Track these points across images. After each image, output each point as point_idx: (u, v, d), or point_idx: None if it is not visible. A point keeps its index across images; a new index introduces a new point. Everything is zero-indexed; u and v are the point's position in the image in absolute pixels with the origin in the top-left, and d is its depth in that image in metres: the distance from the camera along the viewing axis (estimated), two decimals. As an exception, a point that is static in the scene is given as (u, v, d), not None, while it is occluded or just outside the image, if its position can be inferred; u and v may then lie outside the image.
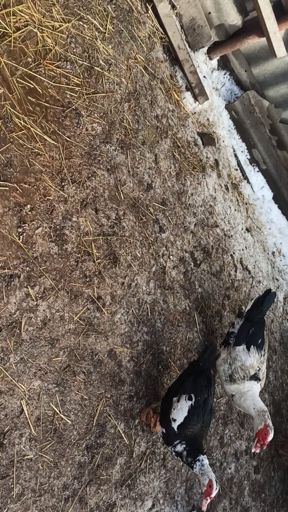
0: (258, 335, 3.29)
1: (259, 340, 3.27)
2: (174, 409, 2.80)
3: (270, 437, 2.86)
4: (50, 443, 2.55)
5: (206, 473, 2.65)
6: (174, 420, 2.76)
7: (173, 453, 2.83)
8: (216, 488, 2.61)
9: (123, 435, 2.97)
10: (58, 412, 2.61)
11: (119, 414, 2.97)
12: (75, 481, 2.66)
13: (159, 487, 3.20)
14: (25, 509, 2.40)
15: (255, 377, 3.17)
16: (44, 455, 2.52)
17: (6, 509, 2.32)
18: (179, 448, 2.76)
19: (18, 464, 2.40)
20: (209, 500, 2.62)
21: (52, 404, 2.59)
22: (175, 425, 2.75)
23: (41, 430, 2.52)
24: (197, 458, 2.69)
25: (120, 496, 2.91)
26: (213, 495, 2.62)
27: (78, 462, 2.69)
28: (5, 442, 2.35)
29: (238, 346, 3.26)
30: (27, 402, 2.47)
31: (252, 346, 3.22)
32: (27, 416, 2.46)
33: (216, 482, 2.63)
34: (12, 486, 2.36)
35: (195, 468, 2.69)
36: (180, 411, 2.77)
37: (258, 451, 2.88)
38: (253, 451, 2.87)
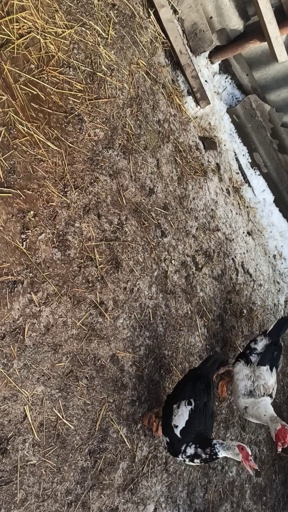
0: (278, 358, 3.54)
1: (278, 363, 3.52)
2: (175, 415, 2.80)
3: None
4: (53, 448, 2.57)
5: (230, 446, 2.59)
6: (176, 427, 2.75)
7: (186, 460, 2.71)
8: (248, 447, 2.60)
9: (125, 439, 2.98)
10: (61, 418, 2.62)
11: (122, 418, 2.98)
12: (78, 486, 2.68)
13: (161, 491, 3.21)
14: (28, 514, 2.42)
15: (270, 395, 3.37)
16: (47, 460, 2.53)
17: (9, 515, 2.34)
18: (190, 450, 2.66)
19: (21, 469, 2.41)
20: (252, 459, 2.59)
21: (55, 409, 2.61)
22: (177, 431, 2.73)
23: (44, 436, 2.53)
24: (213, 444, 2.61)
25: (123, 500, 2.92)
26: (250, 454, 2.59)
27: (81, 467, 2.70)
28: (8, 448, 2.37)
29: (262, 366, 3.43)
30: (31, 408, 2.49)
31: (274, 368, 3.45)
32: (30, 421, 2.47)
33: (245, 444, 2.61)
34: (16, 491, 2.37)
35: (219, 452, 2.59)
36: (181, 417, 2.77)
37: (280, 449, 2.97)
38: (278, 451, 2.95)
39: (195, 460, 2.71)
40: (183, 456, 2.71)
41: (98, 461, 2.80)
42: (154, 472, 3.17)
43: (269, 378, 3.36)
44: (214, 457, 2.62)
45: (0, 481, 2.32)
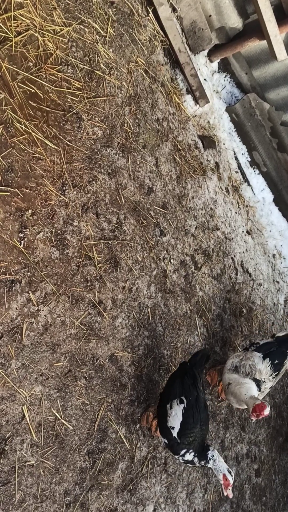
0: (277, 355, 3.48)
1: (276, 360, 3.44)
2: (169, 416, 2.79)
3: (267, 410, 2.90)
4: (51, 448, 2.55)
5: (219, 468, 2.70)
6: (173, 428, 2.75)
7: (183, 462, 2.82)
8: (232, 477, 2.70)
9: (124, 439, 2.96)
10: (60, 418, 2.60)
11: (121, 418, 2.96)
12: (77, 486, 2.66)
13: (161, 492, 3.19)
14: (26, 515, 2.40)
15: (257, 381, 3.24)
16: (45, 461, 2.51)
17: (7, 516, 2.32)
18: (189, 457, 2.75)
19: (19, 470, 2.39)
20: (230, 488, 2.70)
21: (54, 409, 2.59)
22: (175, 433, 2.74)
23: (42, 436, 2.52)
24: (208, 458, 2.73)
25: (122, 501, 2.90)
26: (231, 483, 2.70)
27: (79, 467, 2.68)
28: (6, 449, 2.35)
29: (256, 352, 3.45)
30: (29, 408, 2.47)
31: (268, 358, 3.41)
32: (28, 422, 2.45)
33: (230, 472, 2.70)
34: (14, 492, 2.35)
35: (209, 465, 2.74)
36: (176, 417, 2.76)
37: (254, 419, 2.97)
38: (252, 420, 2.97)
39: (189, 464, 2.84)
40: (181, 458, 2.79)
41: (97, 461, 2.78)
42: (153, 472, 3.15)
43: (258, 362, 3.34)
44: (205, 465, 2.78)
45: (-2, 482, 2.30)
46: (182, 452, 2.74)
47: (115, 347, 2.99)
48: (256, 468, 4.18)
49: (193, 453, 2.74)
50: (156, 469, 3.18)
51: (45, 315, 2.61)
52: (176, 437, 2.73)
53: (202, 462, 2.74)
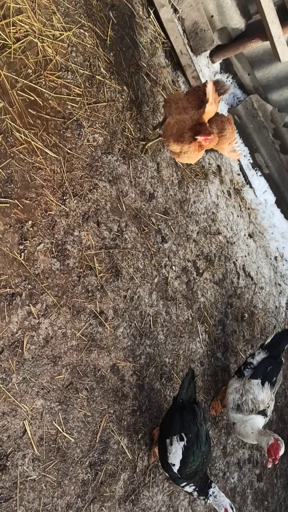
0: (274, 373, 3.38)
1: (274, 379, 3.35)
2: (169, 453, 2.79)
3: (282, 450, 2.86)
4: (53, 462, 2.53)
5: (220, 503, 2.74)
6: (173, 465, 2.77)
7: (184, 492, 2.90)
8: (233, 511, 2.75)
9: (126, 450, 2.95)
10: (61, 431, 2.58)
11: (122, 429, 2.95)
12: (79, 499, 2.64)
13: (163, 501, 3.18)
14: (28, 531, 2.38)
15: (263, 413, 3.25)
16: (47, 475, 2.49)
17: (9, 532, 2.30)
18: (188, 489, 2.80)
19: (21, 485, 2.37)
20: None
21: (55, 422, 2.56)
22: (175, 469, 2.77)
23: (44, 450, 2.49)
24: (209, 495, 2.78)
25: (124, 512, 2.90)
26: None
27: (81, 480, 2.67)
28: (8, 464, 2.33)
29: (254, 379, 3.31)
30: (30, 422, 2.44)
31: (266, 382, 3.30)
32: (30, 436, 2.43)
33: (232, 508, 2.74)
34: (16, 508, 2.33)
35: (209, 502, 2.80)
36: (176, 455, 2.75)
37: (270, 465, 2.91)
38: (268, 467, 2.89)
39: (189, 494, 2.97)
40: (182, 489, 2.89)
41: (99, 473, 2.76)
42: (156, 481, 3.14)
43: (259, 392, 3.24)
44: (204, 501, 2.93)
45: (-1, 498, 2.28)
46: (183, 485, 2.81)
47: (116, 357, 2.96)
48: (258, 473, 4.18)
49: (193, 487, 2.80)
50: (158, 478, 3.17)
51: (46, 328, 2.58)
52: (177, 473, 2.78)
53: (202, 497, 2.81)
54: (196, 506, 3.43)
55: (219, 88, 2.84)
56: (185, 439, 2.76)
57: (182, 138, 2.77)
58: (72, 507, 2.60)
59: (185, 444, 2.75)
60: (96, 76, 3.09)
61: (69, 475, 2.61)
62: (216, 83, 2.79)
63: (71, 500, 2.60)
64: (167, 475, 2.88)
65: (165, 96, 3.32)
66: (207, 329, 3.79)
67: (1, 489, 2.29)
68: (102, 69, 3.15)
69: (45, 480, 2.48)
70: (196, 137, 2.70)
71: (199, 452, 2.77)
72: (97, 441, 2.77)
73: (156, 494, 3.13)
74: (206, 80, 2.82)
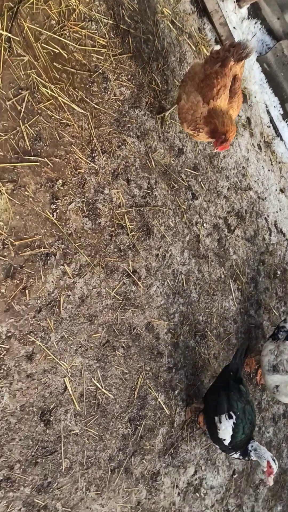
0: None
1: None
2: (219, 430, 2.88)
3: None
4: (94, 417, 2.58)
5: (262, 455, 2.81)
6: (224, 440, 2.87)
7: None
8: (276, 465, 2.81)
9: (163, 406, 2.98)
10: (100, 387, 2.62)
11: (159, 386, 2.97)
12: (120, 452, 2.71)
13: (201, 454, 3.24)
14: (74, 481, 2.46)
15: None
16: (89, 430, 2.55)
17: (56, 483, 2.38)
18: (235, 455, 2.99)
19: (65, 439, 2.44)
20: (272, 476, 2.81)
21: (94, 379, 2.60)
22: (226, 443, 2.88)
23: (85, 406, 2.54)
24: (249, 450, 2.87)
25: (164, 464, 2.96)
26: (274, 472, 2.82)
27: (122, 434, 2.72)
28: (51, 419, 2.38)
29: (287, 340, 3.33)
30: (70, 379, 2.48)
31: None
32: (71, 392, 2.47)
33: (274, 460, 2.80)
34: (61, 460, 2.40)
35: (252, 457, 2.88)
36: (226, 431, 2.85)
37: None
38: None
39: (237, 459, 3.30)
40: (229, 455, 3.11)
41: (138, 428, 2.82)
42: (193, 436, 3.19)
43: None
44: (247, 459, 2.96)
45: (45, 451, 2.35)
46: (231, 453, 2.99)
47: (151, 315, 2.95)
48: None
49: (239, 453, 2.94)
50: (196, 433, 3.21)
51: (81, 287, 2.57)
52: (228, 445, 2.89)
53: (246, 458, 2.93)
54: (233, 459, 3.49)
55: (241, 51, 2.64)
56: (234, 417, 2.85)
57: (197, 131, 2.69)
58: (114, 459, 2.67)
59: (235, 421, 2.84)
60: (121, 26, 2.94)
61: (110, 429, 2.66)
62: (238, 46, 2.60)
63: (112, 453, 2.66)
64: (216, 446, 3.04)
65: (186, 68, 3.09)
66: (239, 287, 3.74)
67: (46, 442, 2.35)
68: (126, 18, 2.99)
69: (87, 434, 2.54)
70: (213, 143, 2.65)
71: (247, 425, 2.88)
72: (135, 397, 2.81)
73: (194, 447, 3.19)
74: (226, 42, 2.62)
